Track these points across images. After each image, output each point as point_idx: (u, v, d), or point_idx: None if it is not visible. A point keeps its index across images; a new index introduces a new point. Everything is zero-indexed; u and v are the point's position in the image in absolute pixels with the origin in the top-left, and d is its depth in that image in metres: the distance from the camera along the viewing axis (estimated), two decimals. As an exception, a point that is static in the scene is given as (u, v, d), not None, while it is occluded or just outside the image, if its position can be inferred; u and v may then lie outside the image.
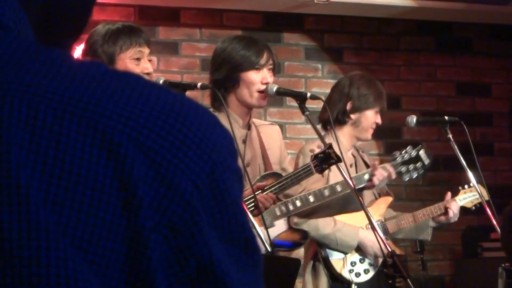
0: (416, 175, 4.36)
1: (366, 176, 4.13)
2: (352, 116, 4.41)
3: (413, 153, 4.34)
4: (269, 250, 3.28)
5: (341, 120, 4.41)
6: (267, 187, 3.72)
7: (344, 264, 4.29)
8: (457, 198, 4.54)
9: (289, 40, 6.17)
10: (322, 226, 4.21)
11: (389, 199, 4.50)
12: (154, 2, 5.74)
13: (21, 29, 0.74)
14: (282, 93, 3.87)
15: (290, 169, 4.04)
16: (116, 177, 0.68)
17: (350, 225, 4.28)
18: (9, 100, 0.68)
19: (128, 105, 0.69)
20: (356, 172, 4.30)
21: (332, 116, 4.20)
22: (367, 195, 4.41)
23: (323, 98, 3.86)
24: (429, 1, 6.03)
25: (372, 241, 4.17)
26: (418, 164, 4.34)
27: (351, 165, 4.35)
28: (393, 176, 4.25)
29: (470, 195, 4.52)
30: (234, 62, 3.81)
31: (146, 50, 3.59)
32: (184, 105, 0.72)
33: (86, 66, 0.71)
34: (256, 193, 3.64)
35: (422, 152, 4.36)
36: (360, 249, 4.32)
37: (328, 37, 6.26)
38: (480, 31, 6.60)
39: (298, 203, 3.87)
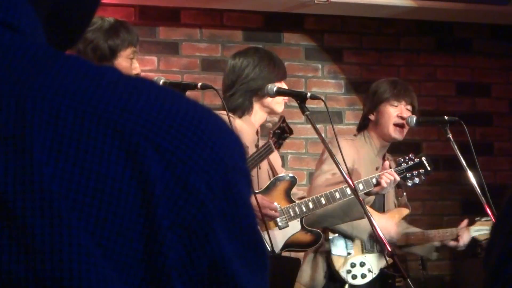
0: (418, 181, 4.42)
1: (374, 180, 4.18)
2: (371, 117, 4.46)
3: (417, 160, 4.40)
4: (269, 250, 3.29)
5: (365, 123, 4.50)
6: None
7: (344, 263, 4.30)
8: (471, 228, 4.53)
9: (289, 40, 6.16)
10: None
11: (405, 211, 4.54)
12: (154, 2, 5.74)
13: (36, 34, 0.76)
14: (282, 93, 3.89)
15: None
16: (135, 177, 0.69)
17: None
18: (31, 100, 0.69)
19: (145, 108, 0.71)
20: None
21: (360, 122, 4.49)
22: (388, 203, 4.47)
23: (323, 98, 3.88)
24: (429, 1, 6.03)
25: (384, 226, 4.23)
26: (421, 171, 4.41)
27: (377, 168, 4.39)
28: (397, 180, 4.30)
29: (485, 228, 4.44)
30: (262, 80, 3.92)
31: (136, 50, 3.63)
32: (197, 109, 0.73)
33: (101, 71, 0.73)
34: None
35: (424, 159, 4.43)
36: (368, 247, 4.34)
37: (328, 37, 6.27)
38: (480, 31, 6.60)
39: (310, 205, 3.93)
